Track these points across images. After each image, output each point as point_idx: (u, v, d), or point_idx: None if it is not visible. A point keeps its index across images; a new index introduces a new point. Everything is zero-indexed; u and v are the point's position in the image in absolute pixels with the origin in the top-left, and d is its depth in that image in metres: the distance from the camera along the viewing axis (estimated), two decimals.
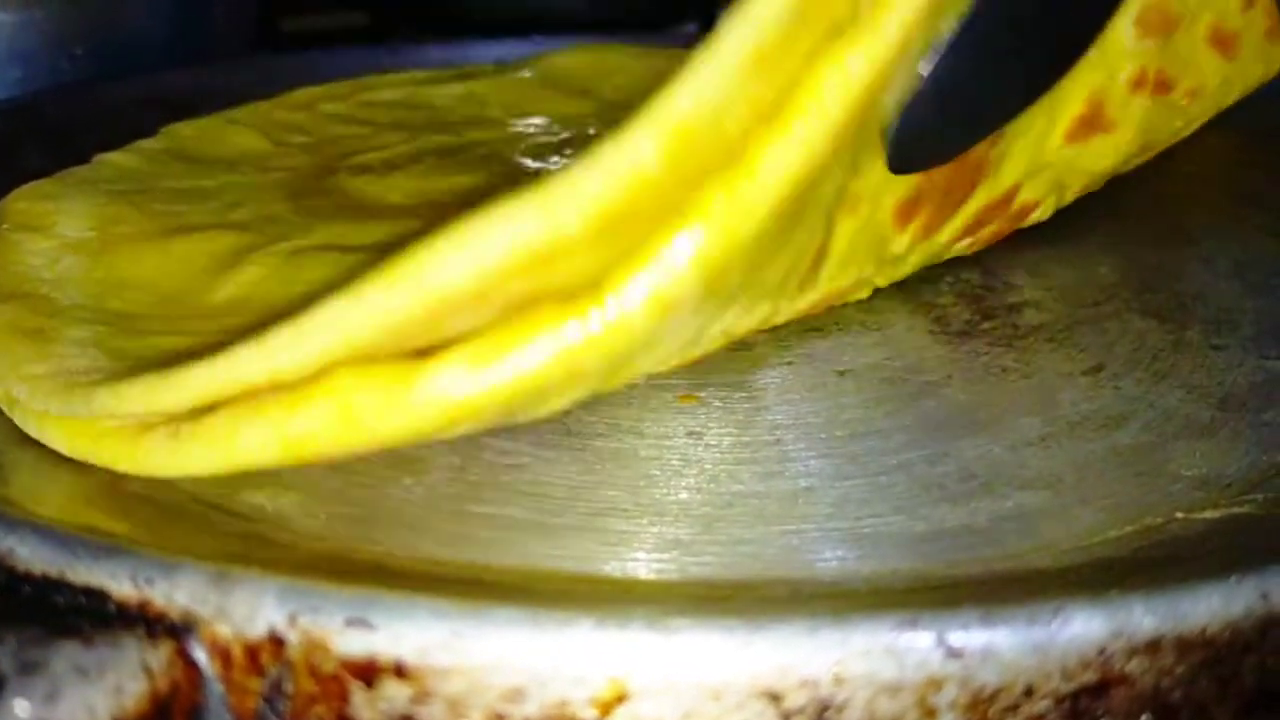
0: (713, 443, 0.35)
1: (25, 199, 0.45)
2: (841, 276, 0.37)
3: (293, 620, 0.25)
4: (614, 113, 0.59)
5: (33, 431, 0.34)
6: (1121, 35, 0.42)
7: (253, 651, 0.25)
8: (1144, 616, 0.25)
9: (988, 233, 0.42)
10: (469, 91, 0.63)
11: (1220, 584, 0.25)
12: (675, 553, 0.30)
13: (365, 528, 0.31)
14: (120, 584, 0.26)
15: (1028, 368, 0.38)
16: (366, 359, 0.28)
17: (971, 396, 0.37)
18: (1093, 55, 0.39)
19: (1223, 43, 0.47)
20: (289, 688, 0.25)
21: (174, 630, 0.25)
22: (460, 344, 0.28)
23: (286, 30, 0.95)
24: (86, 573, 0.26)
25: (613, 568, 0.30)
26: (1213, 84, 0.47)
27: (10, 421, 0.35)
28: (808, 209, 0.30)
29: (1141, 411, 0.36)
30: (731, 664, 0.24)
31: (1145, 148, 0.46)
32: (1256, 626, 0.25)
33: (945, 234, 0.40)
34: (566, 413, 0.32)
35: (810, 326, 0.40)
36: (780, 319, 0.36)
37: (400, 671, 0.24)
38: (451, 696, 0.24)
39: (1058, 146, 0.41)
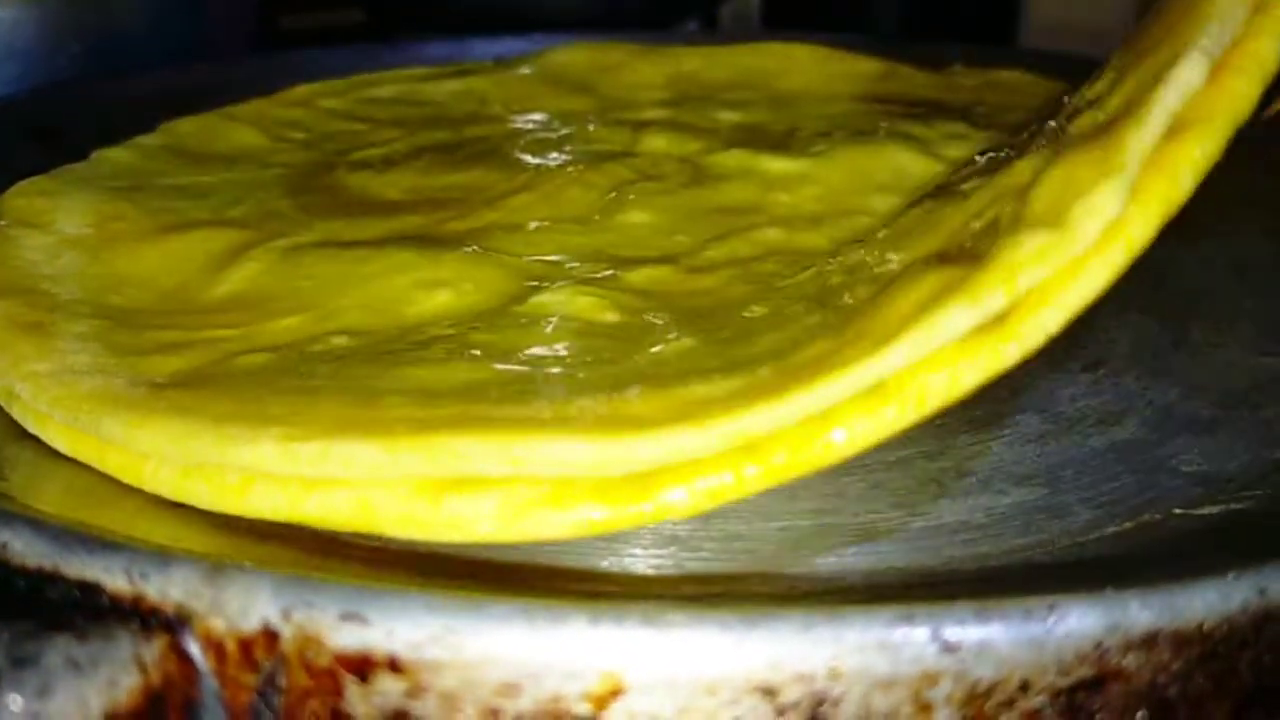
0: None
1: (23, 195, 0.45)
2: None
3: (286, 614, 0.25)
4: (614, 110, 0.59)
5: (32, 428, 0.34)
6: None
7: (247, 645, 0.25)
8: (1140, 612, 0.25)
9: None
10: (468, 88, 0.63)
11: (1217, 580, 0.25)
12: (672, 548, 0.30)
13: None
14: (114, 578, 0.26)
15: (1026, 364, 0.38)
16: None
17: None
18: None
19: None
20: (283, 682, 0.25)
21: (168, 624, 0.25)
22: None
23: (286, 27, 0.95)
24: (80, 566, 0.26)
25: (610, 563, 0.30)
26: None
27: (8, 416, 0.35)
28: None
29: (1140, 408, 0.36)
30: (726, 659, 0.24)
31: None
32: (1253, 622, 0.25)
33: None
34: None
35: None
36: None
37: (394, 666, 0.24)
38: (446, 691, 0.24)
39: None
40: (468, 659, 0.24)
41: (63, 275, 0.41)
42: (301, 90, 0.61)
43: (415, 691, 0.24)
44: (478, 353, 0.34)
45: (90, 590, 0.26)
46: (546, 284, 0.39)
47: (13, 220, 0.44)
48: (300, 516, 0.30)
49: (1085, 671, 0.24)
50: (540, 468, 0.28)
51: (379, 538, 0.30)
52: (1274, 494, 0.32)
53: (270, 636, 0.25)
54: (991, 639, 0.24)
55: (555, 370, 0.33)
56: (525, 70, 0.65)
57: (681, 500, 0.28)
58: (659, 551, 0.30)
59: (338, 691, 0.25)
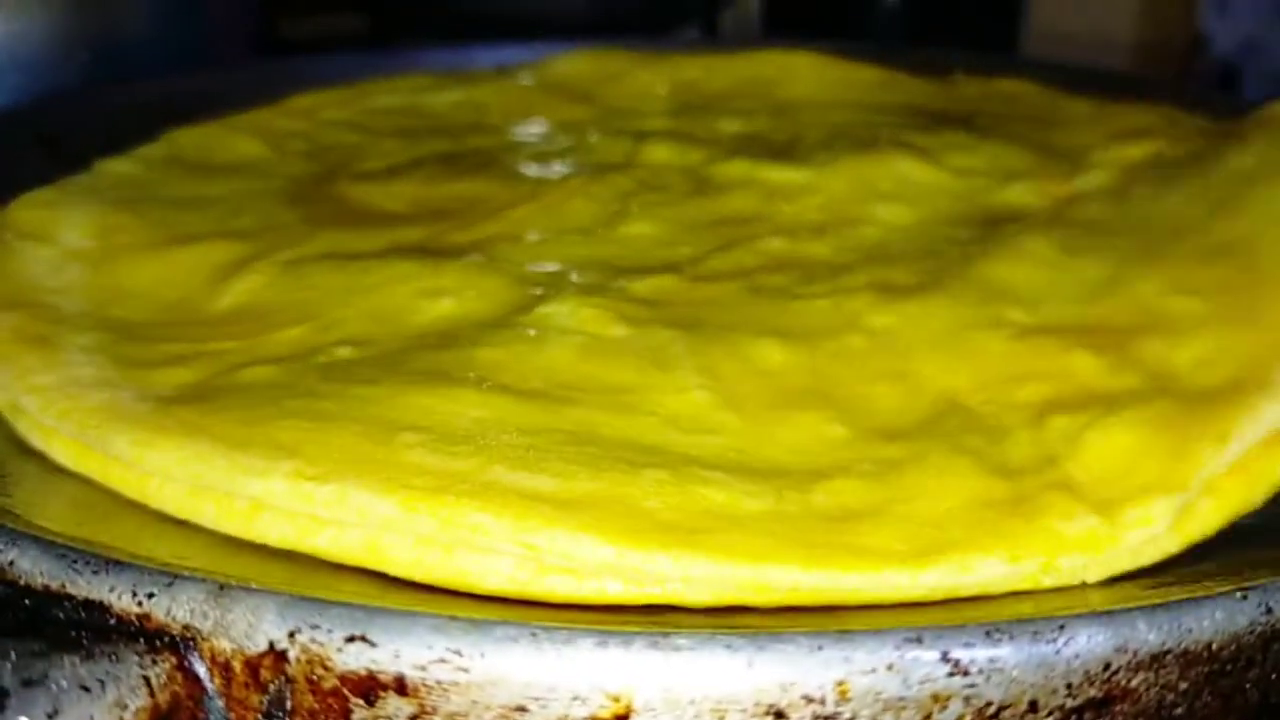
0: None
1: (27, 207, 0.45)
2: None
3: (293, 635, 0.25)
4: (615, 119, 0.59)
5: (37, 443, 0.34)
6: None
7: (253, 666, 0.25)
8: (1148, 632, 0.25)
9: None
10: (469, 98, 0.63)
11: (1225, 599, 0.25)
12: None
13: None
14: (121, 598, 0.26)
15: None
16: None
17: None
18: None
19: None
20: (289, 703, 0.25)
21: (175, 644, 0.25)
22: None
23: (287, 35, 0.95)
24: (87, 586, 0.26)
25: None
26: None
27: (13, 430, 0.35)
28: None
29: None
30: (735, 681, 0.24)
31: None
32: (1261, 641, 0.25)
33: None
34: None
35: None
36: None
37: (401, 688, 0.24)
38: (452, 713, 0.24)
39: None
40: (474, 681, 0.24)
41: (67, 288, 0.41)
42: (303, 101, 0.61)
43: (422, 714, 0.24)
44: (488, 380, 0.34)
45: (97, 610, 0.26)
46: (550, 294, 0.39)
47: (16, 233, 0.44)
48: (309, 548, 0.30)
49: (1094, 692, 0.24)
50: (556, 559, 0.28)
51: None
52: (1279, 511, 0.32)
53: (277, 657, 0.25)
54: (1001, 660, 0.24)
55: (568, 428, 0.33)
56: (526, 79, 0.65)
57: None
58: None
59: (344, 714, 0.25)
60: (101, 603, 0.26)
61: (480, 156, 0.54)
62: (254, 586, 0.25)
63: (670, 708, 0.24)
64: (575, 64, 0.66)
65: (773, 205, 0.48)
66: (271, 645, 0.25)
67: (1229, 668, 0.25)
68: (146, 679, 0.25)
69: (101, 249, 0.44)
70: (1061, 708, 0.24)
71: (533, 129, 0.59)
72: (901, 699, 0.24)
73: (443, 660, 0.24)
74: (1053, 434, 0.32)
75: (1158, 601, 0.25)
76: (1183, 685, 0.25)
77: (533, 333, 0.37)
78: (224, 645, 0.25)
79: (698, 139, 0.55)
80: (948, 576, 0.28)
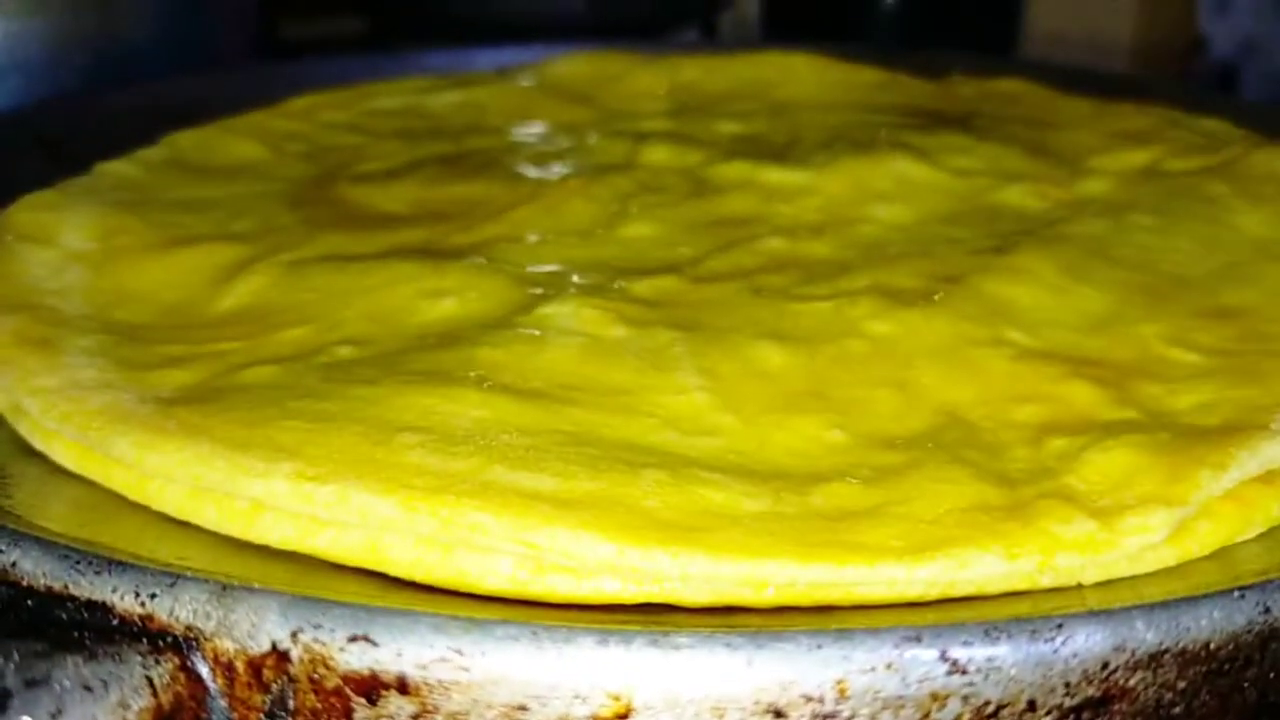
0: None
1: (28, 209, 0.45)
2: None
3: (296, 635, 0.25)
4: (614, 121, 0.59)
5: (39, 445, 0.34)
6: None
7: (256, 666, 0.25)
8: (1146, 631, 0.25)
9: None
10: (468, 99, 0.63)
11: (1222, 598, 0.25)
12: None
13: None
14: (123, 598, 0.26)
15: None
16: None
17: None
18: None
19: None
20: (292, 703, 0.25)
21: (177, 645, 0.25)
22: None
23: (287, 37, 0.95)
24: (90, 587, 0.26)
25: None
26: None
27: (14, 432, 0.35)
28: None
29: None
30: (735, 680, 0.24)
31: None
32: (1258, 640, 0.25)
33: None
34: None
35: None
36: None
37: (403, 687, 0.24)
38: (453, 712, 0.24)
39: None
40: (476, 680, 0.24)
41: (68, 290, 0.41)
42: (302, 102, 0.61)
43: (423, 713, 0.24)
44: (488, 380, 0.34)
45: (99, 610, 0.26)
46: (551, 295, 0.39)
47: (17, 235, 0.44)
48: (309, 549, 0.30)
49: (1092, 691, 0.24)
50: (556, 558, 0.28)
51: None
52: None
53: (279, 657, 0.25)
54: (999, 659, 0.24)
55: (568, 428, 0.33)
56: (525, 81, 0.65)
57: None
58: None
59: (347, 713, 0.25)
60: (104, 603, 0.26)
61: (480, 158, 0.54)
62: (256, 587, 0.25)
63: (670, 706, 0.24)
64: (574, 66, 0.66)
65: (771, 206, 0.48)
66: (274, 645, 0.25)
67: (1227, 667, 0.25)
68: (149, 679, 0.25)
69: (102, 251, 0.44)
70: (1060, 707, 0.24)
71: (532, 130, 0.59)
72: (900, 698, 0.24)
73: (444, 659, 0.24)
74: (1051, 452, 0.32)
75: (1155, 601, 0.25)
76: (1181, 684, 0.25)
77: (533, 333, 0.37)
78: (227, 645, 0.25)
79: (697, 140, 0.55)
80: (944, 572, 0.28)
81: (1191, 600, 0.25)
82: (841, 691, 0.24)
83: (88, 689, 0.24)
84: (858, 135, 0.54)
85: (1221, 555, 0.30)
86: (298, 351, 0.37)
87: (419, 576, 0.29)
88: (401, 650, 0.24)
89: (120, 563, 0.26)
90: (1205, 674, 0.25)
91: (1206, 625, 0.25)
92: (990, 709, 0.24)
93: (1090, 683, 0.24)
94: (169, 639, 0.25)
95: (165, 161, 0.53)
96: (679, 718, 0.24)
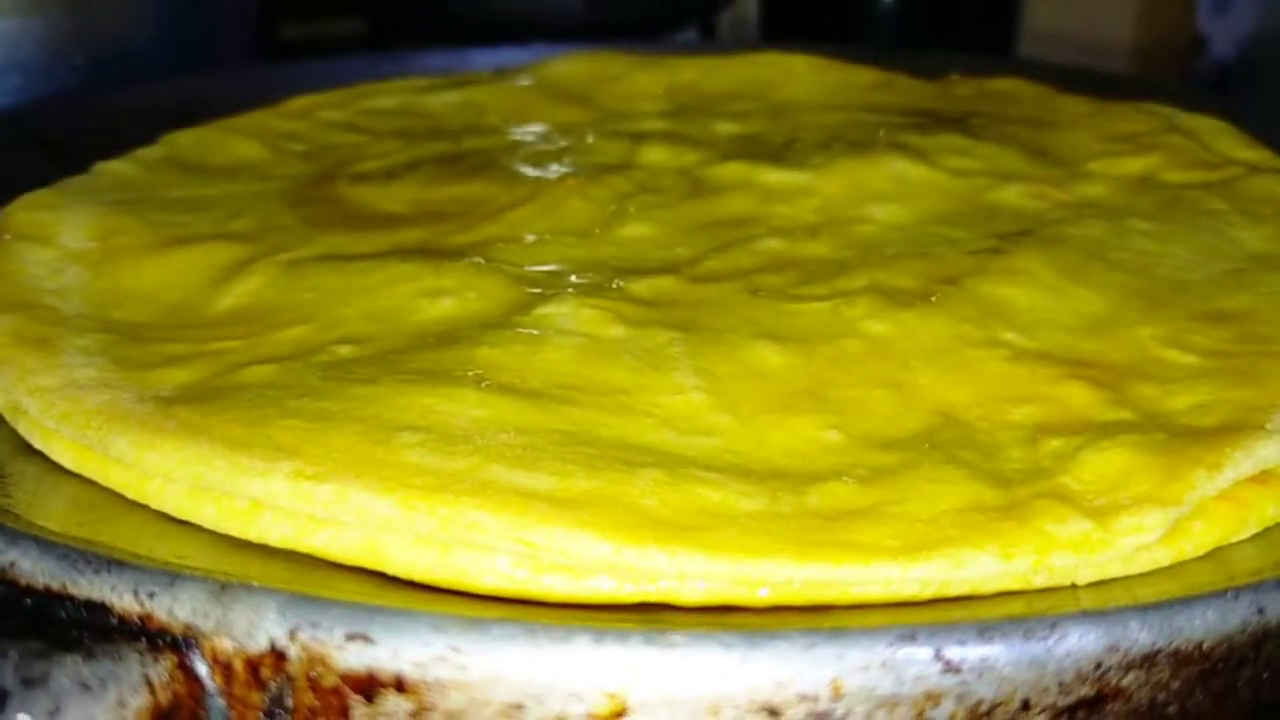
0: None
1: (26, 208, 0.46)
2: None
3: (293, 634, 0.25)
4: (612, 121, 0.59)
5: (38, 444, 0.34)
6: None
7: (254, 665, 0.25)
8: (1140, 631, 0.25)
9: None
10: (467, 99, 0.63)
11: (1216, 598, 0.25)
12: None
13: None
14: (122, 597, 0.26)
15: None
16: None
17: None
18: None
19: None
20: (290, 701, 0.25)
21: (176, 644, 0.26)
22: None
23: (285, 37, 0.95)
24: (88, 586, 0.26)
25: None
26: None
27: (13, 431, 0.35)
28: None
29: None
30: (730, 679, 0.24)
31: None
32: (1252, 641, 0.25)
33: None
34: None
35: None
36: None
37: (400, 686, 0.24)
38: (451, 711, 0.24)
39: None
40: (473, 679, 0.24)
41: (67, 289, 0.41)
42: (301, 102, 0.61)
43: (421, 711, 0.25)
44: (487, 380, 0.34)
45: (98, 609, 0.26)
46: (550, 294, 0.39)
47: (16, 234, 0.44)
48: (308, 548, 0.30)
49: (1086, 691, 0.25)
50: (554, 556, 0.28)
51: None
52: None
53: (277, 656, 0.25)
54: (993, 658, 0.24)
55: (565, 428, 0.33)
56: (524, 81, 0.65)
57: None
58: None
59: (344, 711, 0.25)
60: (103, 602, 0.26)
61: (478, 158, 0.54)
62: (254, 586, 0.26)
63: (666, 705, 0.24)
64: (572, 66, 0.67)
65: (769, 207, 0.48)
66: (272, 644, 0.25)
67: (1221, 667, 0.25)
68: (148, 678, 0.25)
69: (101, 250, 0.44)
70: (1054, 706, 0.25)
71: (530, 130, 0.59)
72: (895, 696, 0.24)
73: (442, 658, 0.24)
74: (1047, 453, 0.32)
75: (1149, 601, 0.25)
76: (1175, 684, 0.25)
77: (532, 333, 0.37)
78: (225, 644, 0.25)
79: (695, 141, 0.55)
80: (939, 572, 0.28)
81: (1185, 600, 0.25)
82: (836, 690, 0.24)
83: (86, 688, 0.24)
84: (856, 136, 0.55)
85: (1216, 555, 0.30)
86: (297, 350, 0.37)
87: (417, 575, 0.29)
88: (399, 649, 0.24)
89: (119, 562, 0.26)
90: (1199, 674, 0.25)
91: (1200, 625, 0.25)
92: (984, 708, 0.24)
93: (1084, 682, 0.25)
94: (167, 638, 0.26)
95: (164, 161, 0.53)
96: (675, 716, 0.24)
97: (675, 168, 0.52)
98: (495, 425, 0.32)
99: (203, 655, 0.25)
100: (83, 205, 0.46)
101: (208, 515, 0.31)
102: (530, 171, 0.52)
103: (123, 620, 0.26)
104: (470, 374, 0.35)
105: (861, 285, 0.40)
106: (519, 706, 0.24)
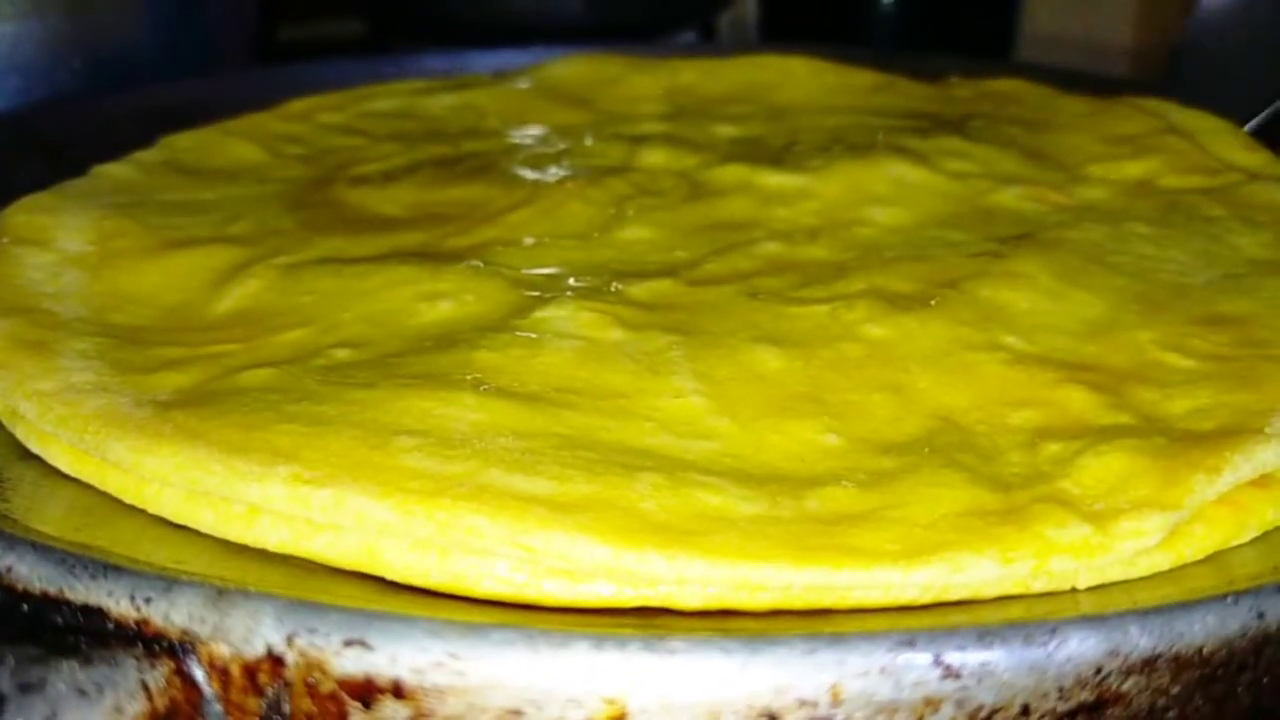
0: None
1: (24, 212, 0.46)
2: None
3: (290, 640, 0.25)
4: (611, 124, 0.59)
5: (35, 448, 0.34)
6: None
7: (251, 671, 0.25)
8: (1140, 636, 0.25)
9: None
10: (466, 102, 0.63)
11: (1216, 603, 0.25)
12: None
13: None
14: (119, 603, 0.26)
15: None
16: None
17: None
18: None
19: None
20: (287, 707, 0.25)
21: (172, 649, 0.25)
22: None
23: (284, 39, 0.95)
24: (85, 591, 0.26)
25: None
26: None
27: (11, 435, 0.35)
28: None
29: None
30: (729, 685, 0.24)
31: None
32: (1252, 645, 0.25)
33: None
34: None
35: None
36: None
37: (398, 691, 0.24)
38: (449, 716, 0.24)
39: None
40: (471, 684, 0.24)
41: (65, 293, 0.41)
42: (300, 104, 0.61)
43: (419, 717, 0.25)
44: (485, 383, 0.34)
45: (95, 614, 0.26)
46: (548, 297, 0.39)
47: (14, 237, 0.44)
48: (306, 553, 0.30)
49: (1085, 696, 0.25)
50: (552, 561, 0.28)
51: None
52: None
53: (274, 662, 0.25)
54: (992, 663, 0.24)
55: (564, 432, 0.33)
56: (522, 84, 0.65)
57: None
58: None
59: (342, 717, 0.25)
60: (99, 608, 0.26)
61: (477, 160, 0.54)
62: (252, 591, 0.26)
63: (665, 710, 0.24)
64: (571, 68, 0.66)
65: (768, 210, 0.48)
66: (269, 650, 0.25)
67: (1220, 672, 0.25)
68: (144, 684, 0.25)
69: (99, 254, 0.44)
70: (1053, 711, 0.25)
71: (529, 133, 0.59)
72: (894, 702, 0.24)
73: (440, 664, 0.24)
74: (1046, 457, 0.32)
75: (1149, 606, 0.25)
76: (1174, 689, 0.25)
77: (530, 336, 0.37)
78: (222, 650, 0.25)
79: (694, 143, 0.55)
80: (939, 576, 0.28)
81: (1185, 605, 0.25)
82: (835, 696, 0.24)
83: (82, 693, 0.24)
84: (855, 139, 0.55)
85: (1215, 559, 0.30)
86: (295, 354, 0.37)
87: (415, 580, 0.29)
88: (397, 654, 0.24)
89: (116, 567, 0.26)
90: (1199, 679, 0.25)
91: (1200, 630, 0.25)
92: (984, 713, 0.24)
93: (1084, 687, 0.25)
94: (164, 643, 0.26)
95: (162, 164, 0.53)
96: None
97: (674, 170, 0.52)
98: (493, 429, 0.32)
99: (200, 661, 0.25)
100: (81, 208, 0.46)
101: (205, 520, 0.31)
102: (529, 174, 0.52)
103: (120, 625, 0.26)
104: (468, 377, 0.34)
105: (860, 289, 0.40)
106: (517, 712, 0.24)
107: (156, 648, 0.25)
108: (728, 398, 0.35)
